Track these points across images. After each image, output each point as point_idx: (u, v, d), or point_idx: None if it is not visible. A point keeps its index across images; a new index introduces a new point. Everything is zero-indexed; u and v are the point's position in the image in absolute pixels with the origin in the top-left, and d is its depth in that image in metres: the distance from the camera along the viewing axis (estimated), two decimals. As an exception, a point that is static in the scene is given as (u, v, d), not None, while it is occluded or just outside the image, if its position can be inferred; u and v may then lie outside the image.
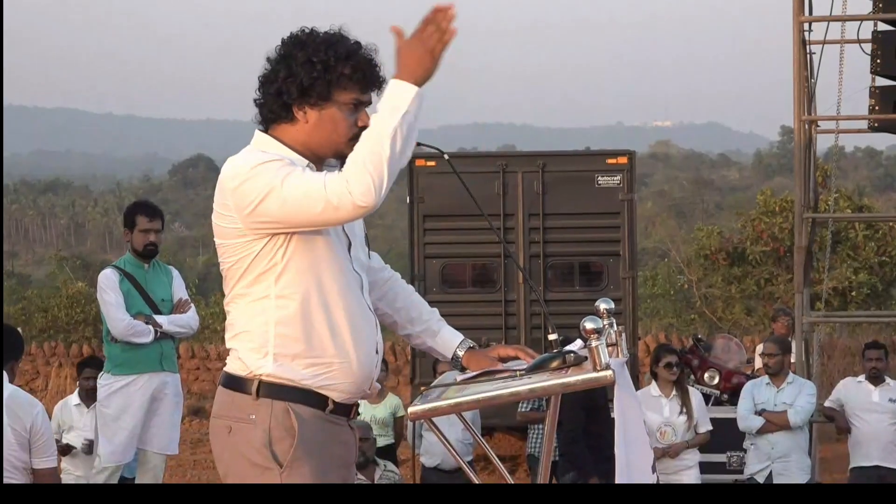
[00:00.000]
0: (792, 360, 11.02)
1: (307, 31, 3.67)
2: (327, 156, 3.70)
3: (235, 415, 3.62)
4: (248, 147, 3.69)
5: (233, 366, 3.67)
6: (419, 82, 3.46)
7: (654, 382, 9.08)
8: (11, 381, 5.58)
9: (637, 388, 10.68)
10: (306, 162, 3.65)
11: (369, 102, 3.69)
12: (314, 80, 3.60)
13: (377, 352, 3.74)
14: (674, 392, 8.95)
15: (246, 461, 3.59)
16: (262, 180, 3.51)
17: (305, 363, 3.59)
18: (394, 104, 3.44)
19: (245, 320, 3.63)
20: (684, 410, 8.88)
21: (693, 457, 8.91)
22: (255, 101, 3.70)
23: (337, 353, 3.61)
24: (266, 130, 3.70)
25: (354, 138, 3.66)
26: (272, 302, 3.59)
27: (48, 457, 5.48)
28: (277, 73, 3.63)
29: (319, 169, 3.69)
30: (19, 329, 6.19)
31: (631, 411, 3.62)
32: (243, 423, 3.60)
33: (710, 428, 8.97)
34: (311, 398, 3.61)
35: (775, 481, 9.03)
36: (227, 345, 3.70)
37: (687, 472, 8.87)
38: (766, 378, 9.39)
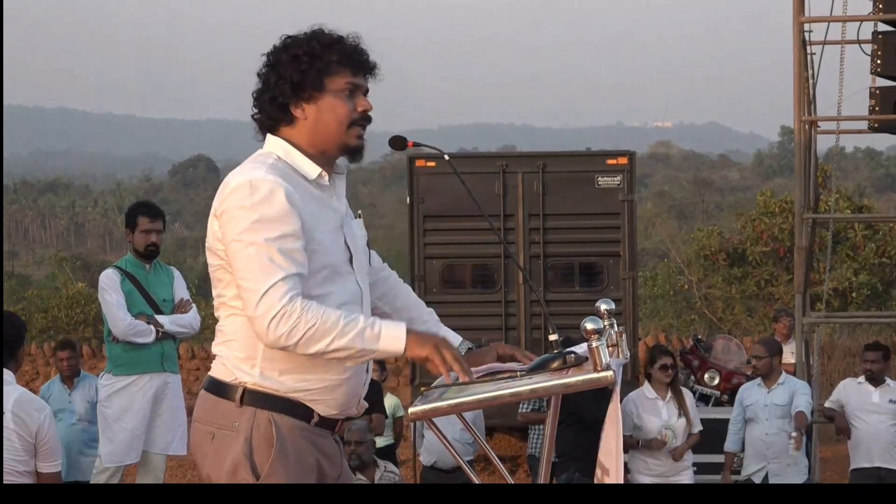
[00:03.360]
0: (791, 361, 11.04)
1: (287, 36, 3.67)
2: (333, 152, 3.67)
3: (219, 421, 3.61)
4: (259, 155, 3.65)
5: (218, 371, 3.66)
6: (406, 348, 3.50)
7: (647, 384, 9.06)
8: (17, 369, 5.55)
9: (637, 388, 10.67)
10: (318, 171, 3.62)
11: (365, 88, 3.68)
12: (304, 73, 3.59)
13: (367, 371, 3.73)
14: (669, 394, 8.96)
15: (226, 469, 3.58)
16: (238, 225, 3.51)
17: (293, 378, 3.58)
18: (382, 339, 3.50)
19: (233, 329, 3.62)
20: (682, 413, 8.90)
21: (689, 457, 8.95)
22: (252, 116, 3.70)
23: (326, 372, 3.60)
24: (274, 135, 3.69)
25: (354, 124, 3.66)
26: None
27: (53, 461, 5.46)
28: (269, 82, 3.63)
29: (331, 172, 3.69)
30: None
31: (620, 413, 3.63)
32: (226, 431, 3.59)
33: (701, 428, 9.02)
34: (296, 409, 3.59)
35: (771, 482, 9.04)
36: (214, 350, 3.69)
37: (686, 472, 8.90)
38: (757, 380, 9.42)
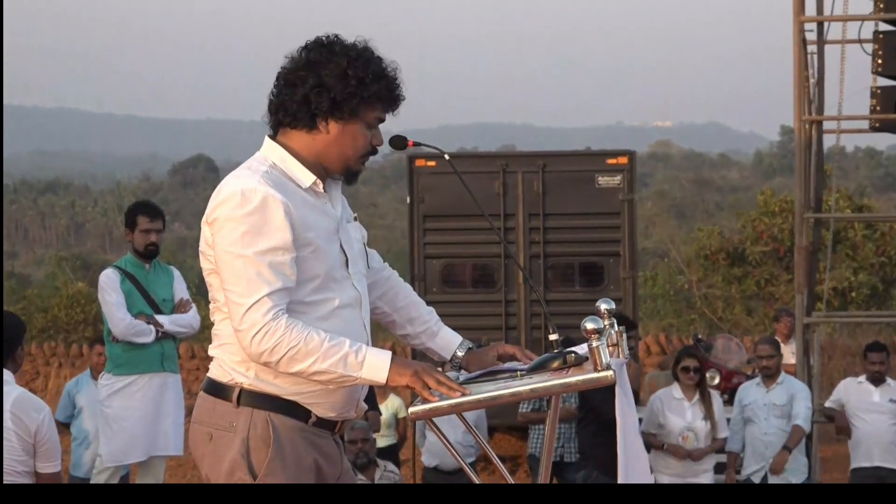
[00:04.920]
0: (792, 361, 11.03)
1: (335, 39, 3.62)
2: (335, 169, 3.67)
3: (217, 422, 3.61)
4: (254, 161, 3.63)
5: (215, 372, 3.66)
6: (390, 378, 3.50)
7: (675, 384, 9.06)
8: (17, 369, 5.54)
9: (637, 389, 10.68)
10: (313, 179, 3.62)
11: (384, 121, 3.70)
12: (348, 96, 3.57)
13: None
14: (696, 396, 8.93)
15: (224, 469, 3.58)
16: (227, 235, 3.50)
17: (290, 381, 3.57)
18: (365, 368, 3.49)
19: (229, 333, 3.61)
20: (707, 416, 8.87)
21: (710, 460, 8.93)
22: (271, 99, 3.65)
23: None
24: (276, 134, 3.68)
25: (366, 155, 3.67)
26: None
27: (52, 462, 5.46)
28: (305, 79, 3.57)
29: (325, 182, 3.67)
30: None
31: (628, 412, 3.63)
32: (224, 432, 3.59)
33: (727, 434, 9.00)
34: (293, 409, 3.59)
35: (770, 482, 9.04)
36: (210, 353, 3.69)
37: (705, 474, 8.88)
38: (756, 379, 9.41)
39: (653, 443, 8.89)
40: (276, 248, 3.49)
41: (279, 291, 3.48)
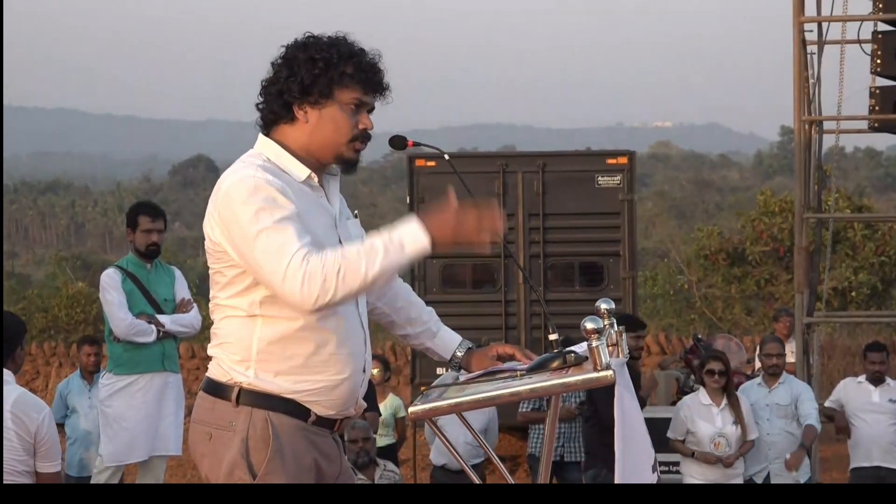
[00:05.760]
0: (791, 361, 11.04)
1: (310, 35, 3.67)
2: (327, 159, 3.67)
3: (216, 422, 3.60)
4: (248, 156, 3.65)
5: (214, 371, 3.66)
6: (434, 244, 3.43)
7: (702, 389, 9.01)
8: (17, 370, 5.54)
9: (637, 389, 10.67)
10: (308, 172, 3.63)
11: (372, 106, 3.68)
12: (315, 78, 3.58)
13: (364, 370, 3.72)
14: (724, 401, 8.88)
15: (223, 469, 3.58)
16: (242, 220, 3.49)
17: (289, 380, 3.57)
18: (406, 245, 3.42)
19: (229, 331, 3.61)
20: (736, 421, 8.82)
21: (740, 464, 8.88)
22: (256, 105, 3.69)
23: (322, 373, 3.59)
24: (268, 134, 3.69)
25: (355, 139, 3.66)
26: (258, 320, 3.57)
27: (52, 461, 5.46)
28: (279, 75, 3.62)
29: (321, 177, 3.69)
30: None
31: (631, 411, 3.63)
32: (224, 431, 3.59)
33: (756, 436, 8.93)
34: (293, 408, 3.59)
35: (773, 482, 9.03)
36: (209, 352, 3.68)
37: (736, 479, 8.80)
38: (758, 379, 9.40)
39: (682, 450, 8.87)
40: (291, 217, 3.47)
41: (305, 244, 3.44)
